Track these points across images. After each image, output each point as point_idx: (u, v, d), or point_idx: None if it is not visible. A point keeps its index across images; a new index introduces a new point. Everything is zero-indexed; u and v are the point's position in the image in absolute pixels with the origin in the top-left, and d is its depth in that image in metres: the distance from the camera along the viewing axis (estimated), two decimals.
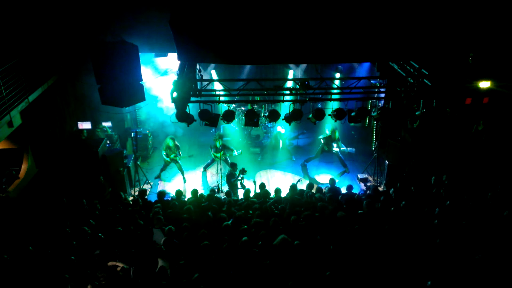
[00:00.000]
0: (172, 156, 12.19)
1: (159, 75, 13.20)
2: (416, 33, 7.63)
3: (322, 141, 12.83)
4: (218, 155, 12.23)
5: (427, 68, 8.86)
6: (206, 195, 9.66)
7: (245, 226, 7.43)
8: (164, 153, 12.30)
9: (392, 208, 8.28)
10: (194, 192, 9.48)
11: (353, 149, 13.25)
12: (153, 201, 9.43)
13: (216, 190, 11.50)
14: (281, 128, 14.66)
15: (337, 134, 12.67)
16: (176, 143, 12.34)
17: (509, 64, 8.61)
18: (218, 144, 12.28)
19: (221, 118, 9.55)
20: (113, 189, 10.33)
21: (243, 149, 13.81)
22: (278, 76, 14.39)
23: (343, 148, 12.93)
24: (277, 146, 14.71)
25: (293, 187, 9.51)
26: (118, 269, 6.46)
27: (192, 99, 9.27)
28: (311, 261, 6.40)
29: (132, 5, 10.02)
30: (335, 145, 12.75)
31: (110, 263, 6.56)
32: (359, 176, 12.70)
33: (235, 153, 12.60)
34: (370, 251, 6.75)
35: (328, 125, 13.29)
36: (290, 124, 10.07)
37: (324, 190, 10.10)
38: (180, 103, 8.93)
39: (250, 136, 14.66)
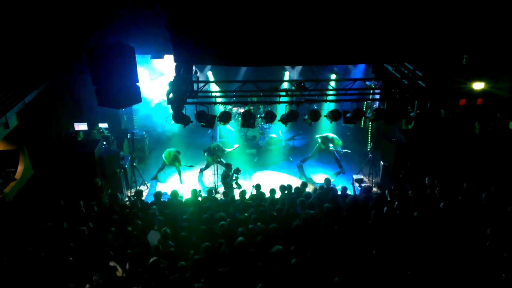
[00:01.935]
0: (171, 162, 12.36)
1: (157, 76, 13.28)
2: (411, 35, 7.69)
3: (319, 140, 12.88)
4: (211, 158, 12.39)
5: (421, 69, 8.92)
6: (204, 196, 9.71)
7: (243, 228, 7.48)
8: (164, 155, 12.41)
9: (386, 209, 8.35)
10: (194, 192, 9.52)
11: (349, 151, 13.36)
12: (149, 202, 9.45)
13: (213, 191, 11.52)
14: (274, 135, 14.69)
15: (336, 141, 12.78)
16: (179, 157, 12.48)
17: (503, 65, 8.69)
18: (211, 147, 12.51)
19: (217, 119, 9.58)
20: (111, 191, 10.33)
21: (240, 149, 13.91)
22: (274, 78, 14.40)
23: (339, 148, 12.99)
24: (272, 149, 14.75)
25: (284, 187, 9.57)
26: (118, 273, 6.48)
27: (189, 100, 9.29)
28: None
29: (129, 6, 10.04)
30: (331, 144, 12.81)
31: (111, 263, 6.59)
32: (354, 177, 12.75)
33: (228, 150, 12.72)
34: (366, 254, 6.81)
35: (326, 128, 13.40)
36: (286, 125, 10.12)
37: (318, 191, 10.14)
38: (177, 104, 8.96)
39: (246, 137, 14.68)
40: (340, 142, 12.95)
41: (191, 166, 12.76)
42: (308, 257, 6.56)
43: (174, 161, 12.41)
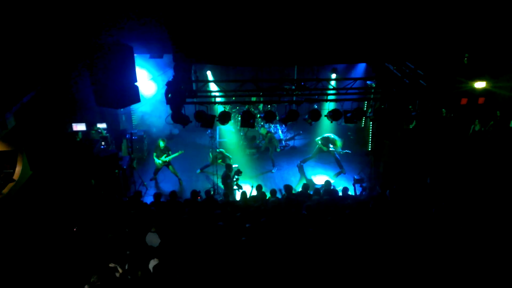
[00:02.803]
0: (162, 158, 12.10)
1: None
2: (412, 34, 7.65)
3: (319, 142, 12.82)
4: (219, 161, 12.33)
5: (422, 68, 8.88)
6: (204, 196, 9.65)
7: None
8: (155, 154, 12.23)
9: (387, 208, 8.29)
10: (194, 193, 9.44)
11: (349, 151, 13.33)
12: (148, 203, 9.38)
13: (213, 192, 11.46)
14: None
15: (337, 142, 12.70)
16: (167, 145, 12.29)
17: (505, 64, 8.65)
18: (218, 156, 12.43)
19: (216, 119, 9.52)
20: (107, 192, 10.26)
21: (240, 150, 13.86)
22: (274, 77, 14.34)
23: (340, 150, 12.93)
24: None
25: (287, 187, 9.52)
26: (117, 273, 6.41)
27: (188, 100, 9.23)
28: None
29: (128, 5, 9.97)
30: (331, 145, 12.75)
31: (111, 265, 6.52)
32: (355, 177, 12.68)
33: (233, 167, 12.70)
34: (364, 252, 6.76)
35: (327, 128, 13.35)
36: (286, 125, 10.06)
37: (321, 192, 10.08)
38: (176, 104, 8.89)
39: (246, 138, 14.60)
40: (340, 143, 12.85)
41: (181, 152, 12.52)
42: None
43: (163, 152, 12.19)
